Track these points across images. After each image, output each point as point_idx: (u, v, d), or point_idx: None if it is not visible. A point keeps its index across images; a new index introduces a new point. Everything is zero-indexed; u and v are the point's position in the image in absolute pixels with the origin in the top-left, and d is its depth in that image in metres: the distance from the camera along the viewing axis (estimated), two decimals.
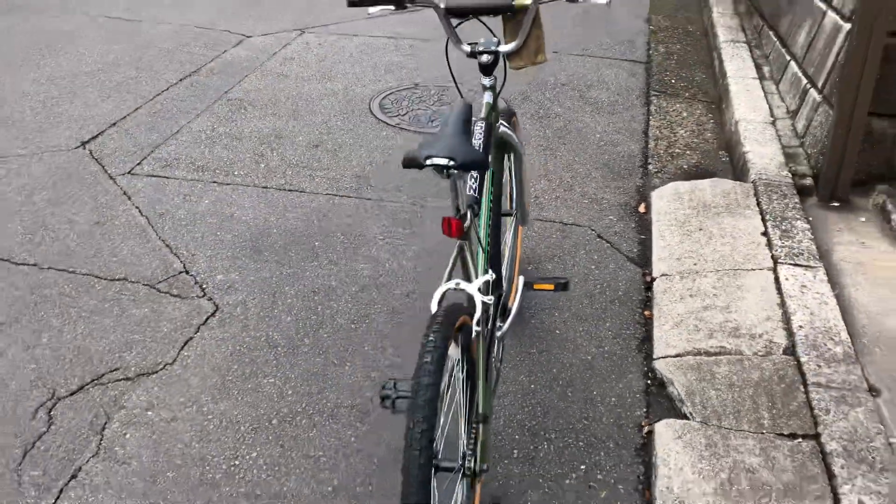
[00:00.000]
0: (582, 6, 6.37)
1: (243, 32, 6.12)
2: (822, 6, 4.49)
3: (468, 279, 2.04)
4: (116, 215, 3.67)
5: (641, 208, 3.90)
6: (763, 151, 4.11)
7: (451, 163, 1.79)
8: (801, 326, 2.84)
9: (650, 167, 4.23)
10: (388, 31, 6.18)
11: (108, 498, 2.28)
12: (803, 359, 2.69)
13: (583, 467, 2.42)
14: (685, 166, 4.22)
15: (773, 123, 4.43)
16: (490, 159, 2.41)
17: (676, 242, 3.47)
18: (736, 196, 3.76)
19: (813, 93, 4.25)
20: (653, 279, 3.28)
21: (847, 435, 2.38)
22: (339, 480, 2.35)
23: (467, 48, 2.45)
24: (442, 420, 1.81)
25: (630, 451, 2.49)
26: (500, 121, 2.54)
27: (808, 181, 3.86)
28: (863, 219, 3.63)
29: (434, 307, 1.94)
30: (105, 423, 2.53)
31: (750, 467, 2.31)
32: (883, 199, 3.68)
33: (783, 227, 3.45)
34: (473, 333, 1.94)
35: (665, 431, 2.48)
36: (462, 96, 2.75)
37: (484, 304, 1.94)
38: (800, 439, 2.39)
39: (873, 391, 2.56)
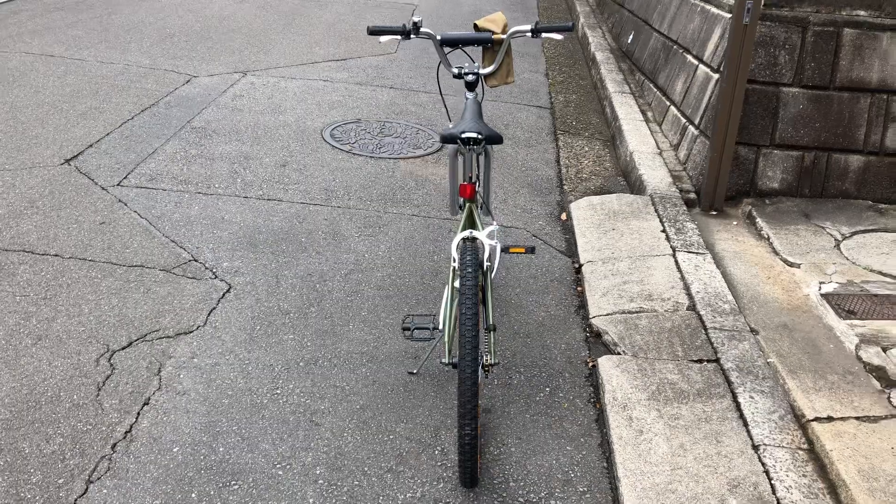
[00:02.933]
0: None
1: (189, 73, 6.68)
2: (695, 62, 5.59)
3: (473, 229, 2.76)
4: (118, 217, 4.16)
5: (563, 217, 4.75)
6: (654, 174, 5.07)
7: (479, 136, 2.54)
8: (697, 292, 3.71)
9: (565, 187, 5.12)
10: (324, 76, 6.91)
11: (179, 416, 2.81)
12: (702, 312, 3.56)
13: (547, 389, 3.16)
14: (592, 187, 5.13)
15: (660, 154, 5.43)
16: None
17: (595, 238, 4.33)
18: (638, 206, 4.68)
19: (691, 129, 5.29)
20: (581, 265, 4.10)
21: (738, 358, 3.24)
22: (364, 401, 2.97)
23: (455, 70, 3.22)
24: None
25: (581, 378, 3.25)
26: None
27: (692, 195, 4.84)
28: (735, 223, 4.62)
29: (454, 252, 2.67)
30: (160, 368, 3.05)
31: (671, 381, 3.11)
32: (749, 208, 4.70)
33: (677, 227, 4.38)
34: (484, 268, 2.66)
35: (606, 363, 3.25)
36: (448, 113, 3.53)
37: (490, 246, 2.67)
38: (705, 363, 3.23)
39: (753, 331, 3.45)
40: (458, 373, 2.32)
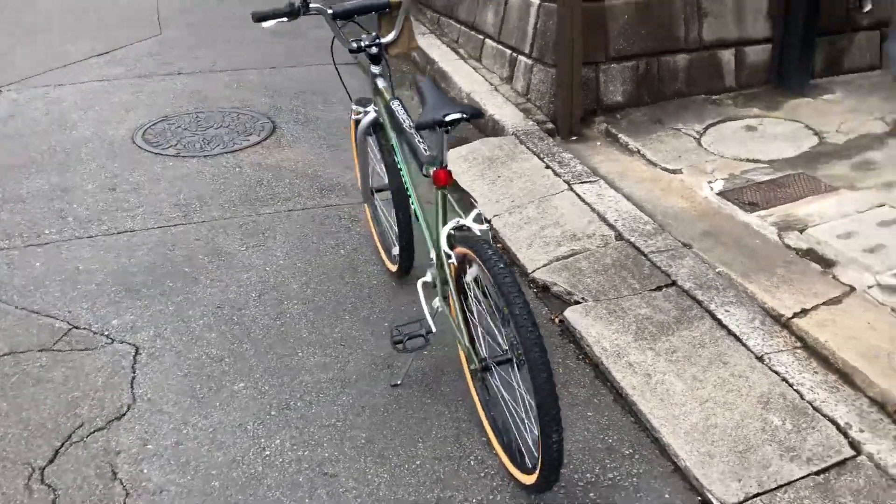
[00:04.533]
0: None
1: None
2: None
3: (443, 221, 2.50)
4: None
5: None
6: (504, 112, 4.99)
7: (465, 116, 2.26)
8: (616, 221, 3.72)
9: None
10: (97, 75, 6.00)
11: None
12: (632, 239, 3.57)
13: None
14: None
15: (496, 90, 5.36)
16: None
17: (487, 190, 4.19)
18: (508, 148, 4.58)
19: (522, 59, 5.25)
20: (488, 220, 3.95)
21: (691, 276, 3.29)
22: (366, 433, 2.65)
23: (355, 45, 2.88)
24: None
25: (557, 337, 3.13)
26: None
27: (550, 125, 4.82)
28: (599, 143, 4.69)
29: (444, 246, 2.41)
30: (114, 470, 2.50)
31: (647, 316, 3.09)
32: (604, 126, 4.78)
33: (557, 161, 4.35)
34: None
35: (573, 315, 3.17)
36: (349, 94, 3.17)
37: (482, 230, 2.43)
38: (665, 288, 3.25)
39: (687, 246, 3.52)
40: (530, 375, 2.10)
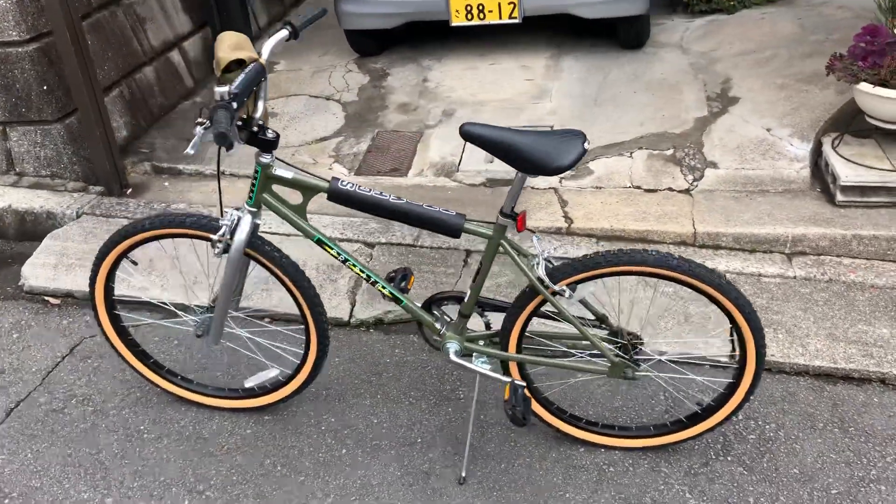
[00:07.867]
0: None
1: None
2: None
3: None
4: None
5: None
6: (19, 198, 3.79)
7: (587, 139, 2.08)
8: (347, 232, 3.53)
9: None
10: None
11: None
12: (382, 240, 3.49)
13: None
14: None
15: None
16: None
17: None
18: (92, 229, 3.58)
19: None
20: None
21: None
22: None
23: (240, 139, 2.13)
24: None
25: None
26: None
27: (100, 188, 3.92)
28: (166, 183, 4.06)
29: (548, 282, 2.22)
30: None
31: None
32: (146, 165, 4.14)
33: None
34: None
35: None
36: (221, 208, 2.32)
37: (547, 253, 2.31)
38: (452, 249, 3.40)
39: None
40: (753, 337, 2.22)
